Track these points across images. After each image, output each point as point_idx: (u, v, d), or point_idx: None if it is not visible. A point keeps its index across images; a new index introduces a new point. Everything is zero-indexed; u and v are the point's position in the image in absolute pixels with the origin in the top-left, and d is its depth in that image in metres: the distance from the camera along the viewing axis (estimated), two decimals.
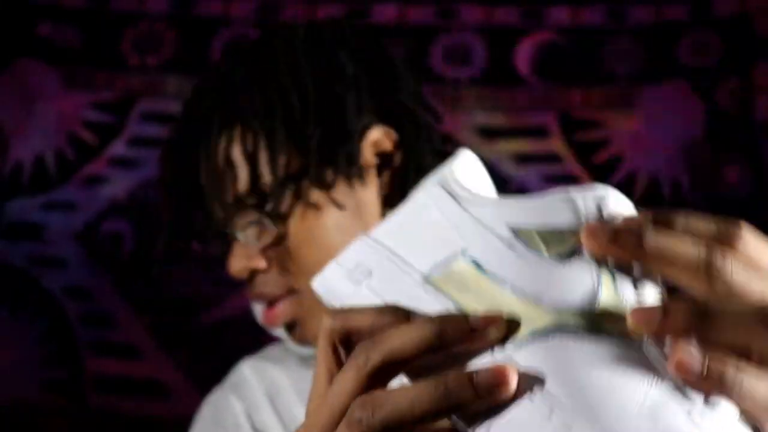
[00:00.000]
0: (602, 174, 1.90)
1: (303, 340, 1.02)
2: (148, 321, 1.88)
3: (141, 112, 1.92)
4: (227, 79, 1.00)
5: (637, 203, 1.76)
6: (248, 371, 1.15)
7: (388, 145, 1.00)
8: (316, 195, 0.96)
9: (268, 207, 0.95)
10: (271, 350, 1.20)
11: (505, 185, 1.90)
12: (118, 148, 1.90)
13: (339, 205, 0.96)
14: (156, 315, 1.88)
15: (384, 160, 1.01)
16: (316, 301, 0.93)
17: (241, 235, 0.97)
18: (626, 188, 1.87)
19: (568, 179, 1.90)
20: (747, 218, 1.72)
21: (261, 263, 0.98)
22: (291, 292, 0.98)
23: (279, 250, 0.97)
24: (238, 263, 0.98)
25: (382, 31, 1.93)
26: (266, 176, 0.96)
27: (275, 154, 0.95)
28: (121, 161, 1.91)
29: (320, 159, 0.96)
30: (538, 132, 1.92)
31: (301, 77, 0.97)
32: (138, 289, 1.89)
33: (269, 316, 1.00)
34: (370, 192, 0.99)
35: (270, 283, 0.98)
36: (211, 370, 1.86)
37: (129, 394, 1.86)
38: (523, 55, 1.93)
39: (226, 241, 1.00)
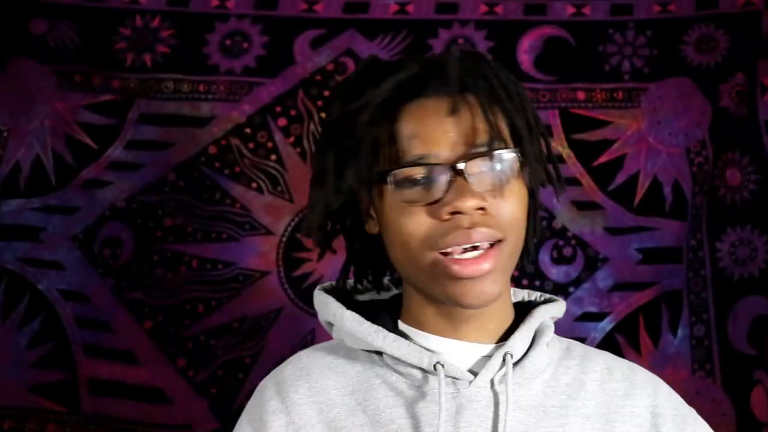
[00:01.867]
0: (604, 176, 1.88)
1: (476, 296, 1.06)
2: (146, 326, 1.86)
3: (139, 114, 1.90)
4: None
5: (638, 205, 1.76)
6: (291, 369, 1.17)
7: None
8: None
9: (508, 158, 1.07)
10: (319, 348, 1.21)
11: None
12: (117, 151, 1.89)
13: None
14: (154, 320, 1.86)
15: None
16: (510, 256, 1.07)
17: (472, 177, 1.04)
18: (628, 189, 1.86)
19: (569, 181, 1.89)
20: (748, 221, 1.71)
21: (489, 206, 1.04)
22: (501, 238, 1.05)
23: (498, 200, 1.05)
24: (473, 198, 1.03)
25: (382, 24, 1.91)
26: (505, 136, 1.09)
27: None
28: (120, 165, 1.90)
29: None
30: None
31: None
32: (136, 293, 1.88)
33: (477, 265, 1.04)
34: None
35: (490, 222, 1.04)
36: (209, 376, 1.86)
37: (125, 399, 1.85)
38: (526, 50, 1.91)
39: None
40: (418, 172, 1.05)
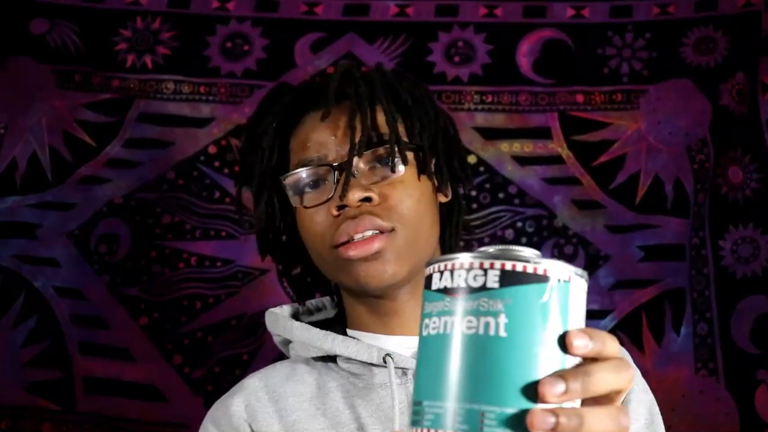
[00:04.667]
0: (604, 175, 1.89)
1: (373, 276, 1.14)
2: (141, 322, 1.85)
3: (138, 113, 1.91)
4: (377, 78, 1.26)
5: (639, 203, 1.75)
6: (252, 379, 1.24)
7: None
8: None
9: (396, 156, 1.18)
10: (277, 364, 1.28)
11: (506, 187, 1.89)
12: (115, 149, 1.90)
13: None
14: (150, 316, 1.85)
15: None
16: (405, 244, 1.16)
17: (358, 173, 1.16)
18: (629, 187, 1.86)
19: (570, 181, 1.89)
20: (751, 219, 1.71)
21: (375, 195, 1.14)
22: (388, 230, 1.14)
23: (386, 191, 1.16)
24: (357, 192, 1.13)
25: (382, 27, 1.93)
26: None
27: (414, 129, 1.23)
28: (119, 163, 1.92)
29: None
30: (540, 132, 1.91)
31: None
32: (132, 289, 1.88)
33: (367, 247, 1.13)
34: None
35: (380, 213, 1.14)
36: (206, 374, 1.85)
37: (121, 396, 1.84)
38: (525, 53, 1.93)
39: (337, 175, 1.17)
40: (306, 175, 1.18)
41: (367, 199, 1.13)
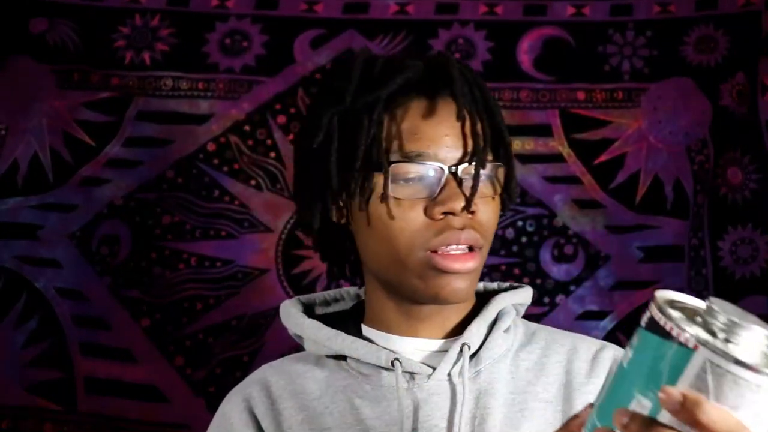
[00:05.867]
0: (605, 174, 1.89)
1: (456, 291, 1.10)
2: (143, 323, 1.86)
3: (137, 112, 1.91)
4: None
5: (639, 204, 1.76)
6: (263, 374, 1.21)
7: None
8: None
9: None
10: (291, 357, 1.25)
11: None
12: (115, 149, 1.90)
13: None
14: (152, 317, 1.86)
15: None
16: (483, 263, 1.11)
17: (467, 181, 1.09)
18: (629, 187, 1.86)
19: (570, 180, 1.89)
20: (750, 220, 1.71)
21: (477, 208, 1.09)
22: (478, 247, 1.10)
23: (482, 206, 1.10)
24: (465, 202, 1.07)
25: (382, 25, 1.92)
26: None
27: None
28: (118, 163, 1.92)
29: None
30: (541, 130, 1.92)
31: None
32: (133, 291, 1.90)
33: (464, 262, 1.09)
34: None
35: (477, 228, 1.09)
36: (207, 375, 1.86)
37: (122, 397, 1.86)
38: (526, 51, 1.93)
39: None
40: (415, 170, 1.08)
41: (472, 212, 1.08)
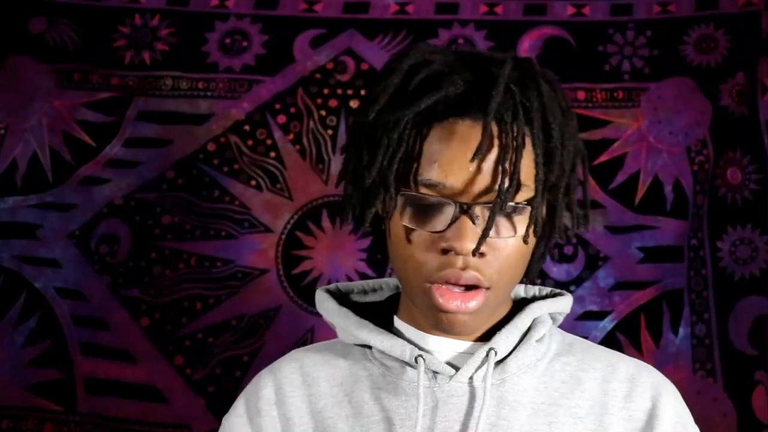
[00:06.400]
0: (604, 174, 1.89)
1: (455, 325, 1.06)
2: (142, 323, 1.86)
3: (137, 112, 1.91)
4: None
5: (639, 204, 1.76)
6: (290, 360, 1.20)
7: None
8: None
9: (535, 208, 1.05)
10: (322, 344, 1.24)
11: None
12: (115, 149, 1.90)
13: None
14: (151, 317, 1.88)
15: None
16: (497, 300, 1.07)
17: (479, 220, 1.03)
18: (628, 188, 1.87)
19: None
20: (749, 220, 1.71)
21: (485, 250, 1.03)
22: (488, 287, 1.05)
23: (496, 245, 1.04)
24: (472, 242, 1.02)
25: (382, 25, 1.92)
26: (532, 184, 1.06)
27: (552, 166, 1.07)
28: (118, 162, 1.93)
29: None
30: None
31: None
32: (133, 290, 1.90)
33: (464, 303, 1.04)
34: None
35: (483, 270, 1.04)
36: (207, 375, 1.87)
37: (122, 397, 1.86)
38: (526, 50, 1.93)
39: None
40: (427, 200, 1.04)
41: (481, 254, 1.03)
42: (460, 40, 1.95)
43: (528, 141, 1.05)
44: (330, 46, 1.95)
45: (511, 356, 1.11)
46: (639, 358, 1.73)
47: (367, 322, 1.14)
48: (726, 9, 1.90)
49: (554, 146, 1.06)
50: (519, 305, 1.15)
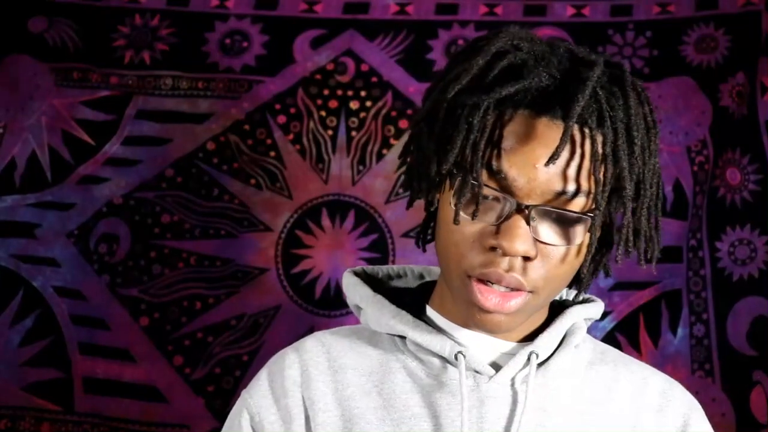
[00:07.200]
0: None
1: (490, 324, 1.03)
2: (142, 323, 1.86)
3: (137, 111, 1.91)
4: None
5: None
6: (315, 341, 1.16)
7: None
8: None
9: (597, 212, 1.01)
10: (345, 329, 1.21)
11: None
12: (114, 147, 1.90)
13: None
14: (151, 317, 1.88)
15: None
16: (539, 304, 1.04)
17: (534, 222, 1.00)
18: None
19: None
20: (748, 221, 1.71)
21: (534, 254, 1.00)
22: (531, 291, 1.02)
23: (546, 252, 1.01)
24: (522, 244, 0.98)
25: (382, 25, 1.92)
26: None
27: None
28: (118, 161, 1.93)
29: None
30: None
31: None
32: (132, 290, 1.90)
33: (503, 302, 1.01)
34: None
35: (528, 273, 1.00)
36: (206, 374, 1.87)
37: (120, 397, 1.86)
38: None
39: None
40: (486, 190, 0.99)
41: (527, 257, 0.99)
42: (460, 41, 1.95)
43: (609, 151, 1.00)
44: (330, 46, 1.95)
45: (552, 361, 1.09)
46: (638, 359, 1.75)
47: (404, 312, 1.11)
48: (726, 9, 1.90)
49: (635, 162, 1.01)
50: (553, 308, 1.13)
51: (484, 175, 0.99)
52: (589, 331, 1.80)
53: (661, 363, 1.82)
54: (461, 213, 1.00)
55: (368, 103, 1.93)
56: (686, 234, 1.88)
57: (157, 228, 1.91)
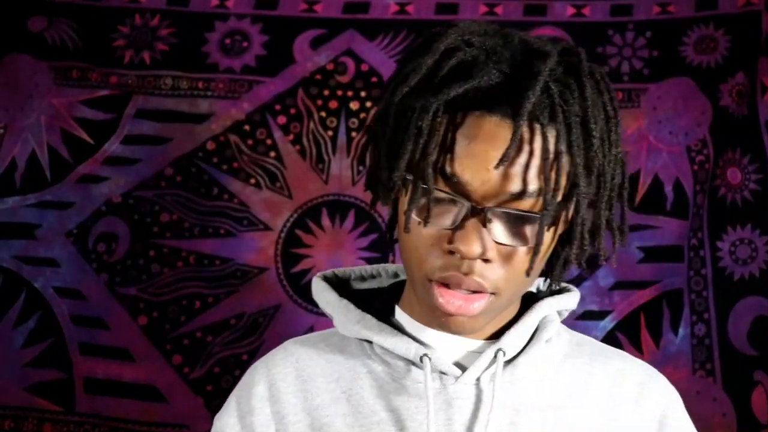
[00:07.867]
0: None
1: (455, 326, 1.02)
2: (140, 322, 1.86)
3: (136, 110, 1.91)
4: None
5: (639, 204, 1.75)
6: (285, 352, 1.16)
7: None
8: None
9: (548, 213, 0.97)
10: (318, 334, 1.21)
11: None
12: (113, 146, 1.90)
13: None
14: (149, 316, 1.88)
15: None
16: (503, 305, 1.02)
17: (491, 224, 0.97)
18: (628, 189, 1.86)
19: None
20: (749, 220, 1.71)
21: (494, 257, 0.98)
22: (493, 292, 1.00)
23: (505, 252, 0.99)
24: (479, 247, 0.96)
25: (382, 25, 1.93)
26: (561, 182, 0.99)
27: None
28: (117, 160, 1.94)
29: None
30: None
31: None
32: (131, 289, 1.90)
33: (466, 305, 0.99)
34: None
35: (488, 275, 0.99)
36: (205, 374, 1.86)
37: (121, 397, 1.87)
38: None
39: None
40: (439, 194, 0.97)
41: (486, 260, 0.98)
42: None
43: (563, 148, 0.97)
44: (330, 46, 1.95)
45: (520, 357, 1.07)
46: (639, 358, 1.75)
47: (369, 316, 1.10)
48: (726, 9, 1.90)
49: (593, 155, 0.98)
50: (525, 300, 1.11)
51: (439, 180, 0.97)
52: (590, 330, 1.84)
53: (663, 363, 1.82)
54: (415, 218, 0.98)
55: (368, 104, 1.93)
56: (687, 233, 1.88)
57: (157, 227, 1.91)
